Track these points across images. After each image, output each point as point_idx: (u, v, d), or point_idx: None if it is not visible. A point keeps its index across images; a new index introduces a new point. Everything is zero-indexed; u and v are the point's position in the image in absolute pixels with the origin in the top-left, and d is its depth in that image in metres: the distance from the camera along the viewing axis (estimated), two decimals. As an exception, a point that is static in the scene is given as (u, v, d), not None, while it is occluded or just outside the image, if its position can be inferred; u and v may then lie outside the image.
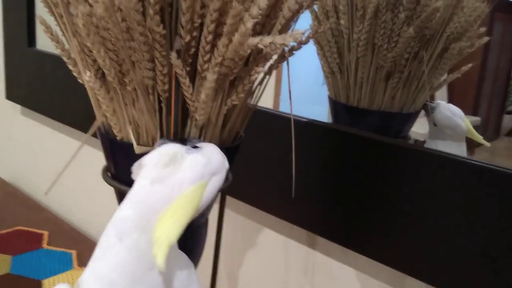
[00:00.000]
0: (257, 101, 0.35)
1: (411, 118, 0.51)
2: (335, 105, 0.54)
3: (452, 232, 0.39)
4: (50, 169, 0.90)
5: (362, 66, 0.49)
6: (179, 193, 0.26)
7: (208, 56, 0.27)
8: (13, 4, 0.84)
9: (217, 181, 0.28)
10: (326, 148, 0.47)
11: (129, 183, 0.32)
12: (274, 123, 0.50)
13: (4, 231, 0.73)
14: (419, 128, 0.50)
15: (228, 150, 0.34)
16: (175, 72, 0.27)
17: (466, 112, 0.47)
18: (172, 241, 0.24)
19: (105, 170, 0.35)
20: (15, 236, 0.72)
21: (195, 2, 0.26)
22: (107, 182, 0.33)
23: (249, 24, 0.25)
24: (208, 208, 0.36)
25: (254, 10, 0.26)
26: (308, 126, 0.48)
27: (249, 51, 0.27)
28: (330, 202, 0.47)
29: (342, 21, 0.48)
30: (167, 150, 0.27)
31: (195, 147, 0.28)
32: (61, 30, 0.31)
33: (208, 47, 0.27)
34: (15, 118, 0.97)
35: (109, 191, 0.36)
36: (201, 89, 0.27)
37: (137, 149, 0.30)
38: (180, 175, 0.26)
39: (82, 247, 0.71)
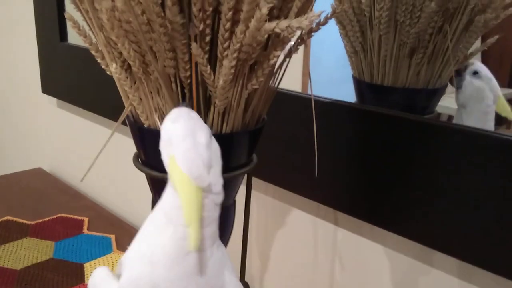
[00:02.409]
0: (278, 84, 0.36)
1: (437, 93, 0.50)
2: (359, 84, 0.54)
3: (479, 206, 0.39)
4: (87, 158, 0.94)
5: (385, 43, 0.49)
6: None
7: (227, 43, 0.28)
8: (44, 2, 0.87)
9: (181, 147, 0.26)
10: (350, 127, 0.48)
11: (159, 168, 0.34)
12: (298, 104, 0.51)
13: (46, 219, 0.77)
14: (453, 103, 0.49)
15: (252, 133, 0.35)
16: (195, 61, 0.28)
17: (502, 84, 0.46)
18: (193, 224, 0.25)
19: (136, 157, 0.37)
20: (57, 223, 0.76)
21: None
22: (138, 169, 0.35)
23: (264, 9, 0.25)
24: (234, 189, 0.37)
25: (269, -5, 0.27)
26: (331, 106, 0.49)
27: (266, 36, 0.28)
28: (355, 180, 0.47)
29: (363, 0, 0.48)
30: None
31: None
32: (88, 25, 0.32)
33: (227, 34, 0.28)
34: (52, 111, 1.01)
35: (143, 177, 0.38)
36: (219, 75, 0.28)
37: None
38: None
39: (120, 232, 0.74)
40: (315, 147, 0.39)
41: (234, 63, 0.27)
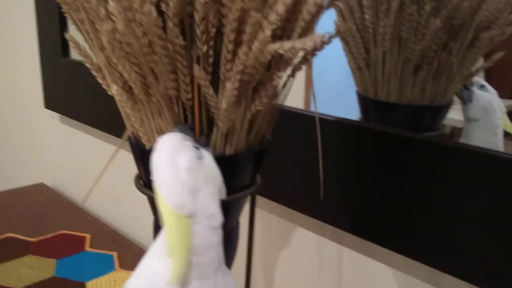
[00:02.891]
0: (282, 103, 0.36)
1: (442, 110, 0.50)
2: (364, 101, 0.53)
3: (489, 228, 0.38)
4: (90, 174, 0.93)
5: (389, 60, 0.48)
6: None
7: (230, 64, 0.28)
8: (46, 17, 0.87)
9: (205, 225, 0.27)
10: (355, 146, 0.47)
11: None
12: (302, 122, 0.50)
13: (48, 236, 0.77)
14: (457, 115, 0.48)
15: (255, 154, 0.34)
16: (197, 82, 0.28)
17: (504, 96, 0.45)
18: (175, 255, 0.25)
19: (138, 178, 0.36)
20: (59, 240, 0.75)
21: (208, 13, 0.27)
22: (139, 190, 0.34)
23: (268, 31, 0.25)
24: (237, 211, 0.36)
25: (272, 17, 0.26)
26: (336, 124, 0.48)
27: (269, 57, 0.27)
28: (361, 200, 0.46)
29: (367, 16, 0.47)
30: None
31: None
32: (89, 45, 0.32)
33: (229, 56, 0.27)
34: (54, 126, 1.01)
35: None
36: (222, 98, 0.28)
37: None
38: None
39: (123, 249, 0.73)
40: (320, 169, 0.38)
41: (237, 85, 0.27)
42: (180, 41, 0.26)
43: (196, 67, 0.27)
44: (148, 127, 0.31)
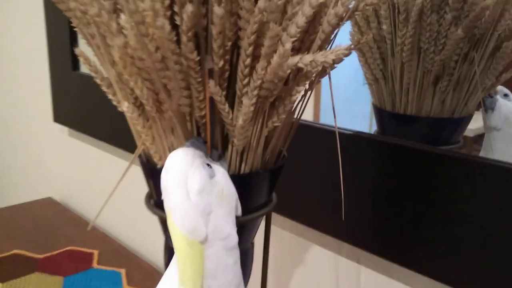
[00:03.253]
0: (299, 118, 0.34)
1: (463, 122, 0.48)
2: (380, 113, 0.51)
3: (509, 248, 0.36)
4: (98, 188, 0.92)
5: (408, 71, 0.46)
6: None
7: (247, 79, 0.26)
8: (56, 31, 0.87)
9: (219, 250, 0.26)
10: (374, 161, 0.45)
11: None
12: (318, 136, 0.49)
13: (55, 252, 0.75)
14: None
15: (272, 172, 0.32)
16: (211, 98, 0.26)
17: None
18: (187, 285, 0.24)
19: (148, 197, 0.35)
20: (66, 256, 0.74)
21: (225, 27, 0.25)
22: (150, 210, 0.33)
23: (288, 45, 0.23)
24: (252, 231, 0.34)
25: (292, 29, 0.25)
26: (354, 139, 0.46)
27: (288, 71, 0.26)
28: (380, 217, 0.44)
29: (384, 26, 0.46)
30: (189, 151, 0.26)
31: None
32: (99, 60, 0.31)
33: (246, 71, 0.26)
34: (64, 140, 1.00)
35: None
36: (238, 114, 0.26)
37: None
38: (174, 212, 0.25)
39: (131, 265, 0.72)
40: (341, 187, 0.36)
41: (254, 100, 0.25)
42: (195, 56, 0.25)
43: (211, 83, 0.25)
44: (160, 145, 0.30)
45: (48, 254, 0.74)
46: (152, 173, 0.32)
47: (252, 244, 0.35)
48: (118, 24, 0.25)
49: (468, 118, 0.47)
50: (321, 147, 0.48)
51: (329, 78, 0.30)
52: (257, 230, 0.35)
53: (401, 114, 0.49)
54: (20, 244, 0.78)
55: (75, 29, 0.31)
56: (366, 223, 0.45)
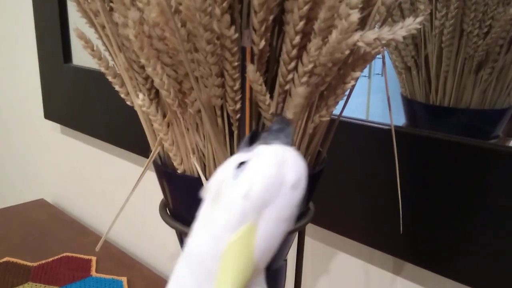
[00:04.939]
0: (341, 113, 0.29)
1: (505, 114, 0.43)
2: (411, 105, 0.46)
3: None
4: (94, 189, 0.86)
5: (446, 57, 0.41)
6: (224, 245, 0.19)
7: (293, 63, 0.21)
8: (45, 18, 0.81)
9: (276, 212, 0.19)
10: (415, 159, 0.40)
11: (192, 222, 0.26)
12: (351, 134, 0.44)
13: (50, 259, 0.70)
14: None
15: (312, 177, 0.27)
16: (250, 88, 0.21)
17: None
18: None
19: (163, 207, 0.29)
20: (62, 264, 0.68)
21: (269, -5, 0.20)
22: (167, 224, 0.27)
23: (354, 16, 0.18)
24: (286, 247, 0.29)
25: (354, -2, 0.20)
26: (387, 133, 0.41)
27: (348, 52, 0.20)
28: (418, 222, 0.39)
29: (421, 6, 0.41)
30: (218, 176, 0.19)
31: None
32: (104, 44, 0.25)
33: (294, 52, 0.20)
34: (55, 138, 0.94)
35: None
36: (286, 107, 0.21)
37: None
38: (219, 222, 0.19)
39: (133, 273, 0.66)
40: (399, 195, 0.31)
41: (309, 89, 0.20)
42: (232, 33, 0.19)
43: (250, 67, 0.20)
44: (182, 146, 0.24)
45: (42, 262, 0.69)
46: (171, 179, 0.26)
47: (285, 261, 0.30)
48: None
49: (510, 110, 0.42)
50: (353, 146, 0.43)
51: (384, 63, 0.25)
52: (291, 245, 0.30)
53: (437, 106, 0.44)
54: (11, 251, 0.72)
55: (76, 7, 0.25)
56: (399, 228, 0.40)
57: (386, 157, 0.41)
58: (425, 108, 0.45)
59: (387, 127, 0.41)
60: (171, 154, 0.25)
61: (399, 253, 0.41)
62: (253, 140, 0.19)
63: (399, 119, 0.46)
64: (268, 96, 0.21)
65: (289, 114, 0.21)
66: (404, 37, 0.44)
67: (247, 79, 0.21)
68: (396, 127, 0.42)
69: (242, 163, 0.19)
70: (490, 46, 0.39)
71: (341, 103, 0.27)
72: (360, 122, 0.43)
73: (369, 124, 0.43)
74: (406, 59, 0.44)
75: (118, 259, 0.70)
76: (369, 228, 0.42)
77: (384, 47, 0.27)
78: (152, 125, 0.25)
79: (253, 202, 0.18)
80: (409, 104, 0.46)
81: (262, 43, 0.20)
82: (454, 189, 0.38)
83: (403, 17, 0.43)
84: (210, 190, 0.19)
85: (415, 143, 0.40)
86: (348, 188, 0.43)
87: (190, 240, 0.20)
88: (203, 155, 0.24)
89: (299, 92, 0.19)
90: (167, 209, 0.29)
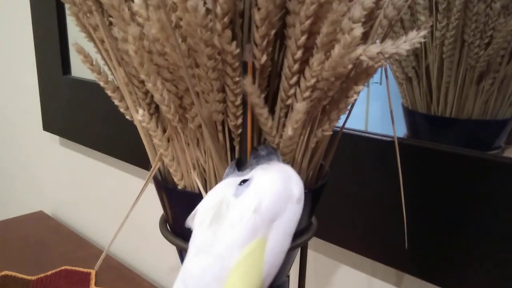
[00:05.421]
0: (344, 125, 0.29)
1: (507, 125, 0.43)
2: (412, 115, 0.46)
3: None
4: (93, 201, 0.86)
5: (448, 68, 0.41)
6: (230, 264, 0.18)
7: (295, 78, 0.21)
8: (45, 31, 0.81)
9: (284, 226, 0.19)
10: (415, 170, 0.40)
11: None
12: (348, 145, 0.43)
13: (49, 273, 0.69)
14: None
15: (314, 192, 0.27)
16: (249, 102, 0.21)
17: None
18: None
19: (164, 222, 0.29)
20: (61, 277, 0.68)
21: (271, 12, 0.20)
22: (168, 240, 0.27)
23: (358, 31, 0.18)
24: (289, 263, 0.29)
25: (357, 12, 0.19)
26: (389, 145, 0.41)
27: (350, 66, 0.20)
28: (421, 234, 0.39)
29: (422, 17, 0.41)
30: (211, 199, 0.20)
31: (245, 181, 0.21)
32: (103, 58, 0.25)
33: (296, 67, 0.20)
34: (54, 150, 0.94)
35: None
36: (287, 122, 0.21)
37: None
38: (225, 238, 0.19)
39: (132, 286, 0.66)
40: (403, 209, 0.31)
41: (309, 104, 0.20)
42: (233, 48, 0.19)
43: (248, 81, 0.20)
44: (183, 161, 0.24)
45: (41, 275, 0.68)
46: (171, 195, 0.26)
47: (288, 277, 0.29)
48: (130, 9, 0.20)
49: (512, 120, 0.42)
50: (352, 158, 0.43)
51: (386, 76, 0.25)
52: (293, 260, 0.29)
53: (438, 117, 0.44)
54: (9, 264, 0.72)
55: (74, 21, 0.25)
56: (402, 241, 0.40)
57: (387, 169, 0.41)
58: (427, 119, 0.45)
59: (389, 139, 0.41)
60: (171, 170, 0.24)
61: (402, 266, 0.40)
62: (239, 165, 0.20)
63: (400, 129, 0.45)
64: (266, 109, 0.21)
65: (289, 130, 0.20)
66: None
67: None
68: (399, 139, 0.42)
69: (243, 181, 0.19)
70: (491, 57, 0.39)
71: (343, 116, 0.27)
72: (361, 134, 0.43)
73: (371, 136, 0.42)
74: (407, 69, 0.44)
75: (118, 272, 0.70)
76: (371, 241, 0.41)
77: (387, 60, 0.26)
78: (152, 140, 0.24)
79: (263, 216, 0.18)
80: (410, 115, 0.46)
81: (264, 57, 0.20)
82: (456, 201, 0.37)
83: (404, 28, 0.43)
84: (202, 214, 0.19)
85: (418, 155, 0.40)
86: (350, 200, 0.43)
87: (187, 268, 0.19)
88: (204, 170, 0.24)
89: (299, 108, 0.19)
90: (167, 225, 0.29)
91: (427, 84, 0.43)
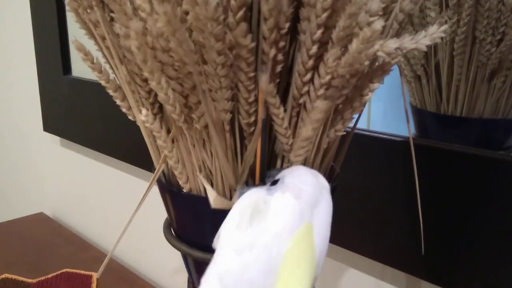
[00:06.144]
0: (355, 125, 0.27)
1: (519, 124, 0.42)
2: (421, 114, 0.45)
3: None
4: (94, 203, 0.85)
5: (458, 65, 0.40)
6: (280, 253, 0.18)
7: (309, 75, 0.19)
8: (45, 30, 0.79)
9: (324, 211, 0.20)
10: (424, 170, 0.39)
11: (200, 244, 0.25)
12: (355, 145, 0.42)
13: (50, 275, 0.68)
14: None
15: (327, 194, 0.26)
16: (264, 101, 0.20)
17: None
18: None
19: (168, 226, 0.28)
20: (62, 280, 0.67)
21: (280, 2, 0.18)
22: (173, 246, 0.26)
23: (378, 24, 0.17)
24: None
25: (375, 4, 0.18)
26: (400, 145, 0.40)
27: (367, 63, 0.19)
28: (433, 237, 0.38)
29: (432, 13, 0.40)
30: (245, 201, 0.19)
31: (275, 182, 0.21)
32: (104, 56, 0.24)
33: (310, 63, 0.19)
34: (55, 151, 0.93)
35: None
36: (305, 122, 0.20)
37: (214, 203, 0.22)
38: (271, 228, 0.19)
39: (135, 289, 0.65)
40: (420, 214, 0.30)
41: (328, 104, 0.18)
42: (248, 42, 0.18)
43: (264, 79, 0.19)
44: (188, 163, 0.23)
45: (42, 278, 0.67)
46: (176, 198, 0.25)
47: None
48: (132, 3, 0.19)
49: (524, 119, 0.41)
50: (360, 158, 0.42)
51: (401, 74, 0.24)
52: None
53: (448, 116, 0.42)
54: (9, 267, 0.71)
55: (74, 18, 0.24)
56: (414, 244, 0.39)
57: (394, 170, 0.40)
58: (436, 118, 0.43)
59: (398, 139, 0.40)
60: (176, 172, 0.23)
61: (412, 270, 0.39)
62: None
63: (404, 128, 0.44)
64: (282, 109, 0.20)
65: (306, 130, 0.19)
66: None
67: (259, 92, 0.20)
68: (407, 139, 0.41)
69: (274, 182, 0.19)
70: (503, 54, 0.38)
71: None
72: (372, 134, 0.41)
73: (378, 135, 0.41)
74: (416, 67, 0.43)
75: (119, 275, 0.69)
76: (380, 244, 0.40)
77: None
78: (155, 141, 0.23)
79: (305, 201, 0.19)
80: (419, 114, 0.45)
81: (273, 51, 0.19)
82: (467, 201, 0.36)
83: (413, 25, 0.42)
84: (237, 216, 0.18)
85: (427, 155, 0.39)
86: (358, 203, 0.42)
87: (223, 267, 0.18)
88: (211, 173, 0.23)
89: (320, 106, 0.18)
90: (172, 229, 0.28)
91: (437, 82, 0.42)
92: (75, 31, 0.73)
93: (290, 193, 0.19)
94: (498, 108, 0.40)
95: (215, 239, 0.19)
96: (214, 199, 0.22)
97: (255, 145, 0.21)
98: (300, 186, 0.19)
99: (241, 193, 0.21)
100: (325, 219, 0.20)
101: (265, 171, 0.22)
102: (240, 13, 0.17)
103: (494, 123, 0.41)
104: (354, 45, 0.18)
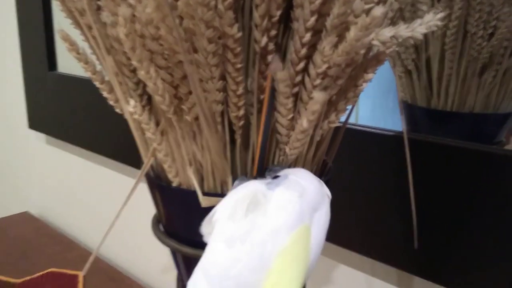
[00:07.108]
0: (348, 117, 0.27)
1: (509, 119, 0.42)
2: (412, 110, 0.45)
3: None
4: (81, 202, 0.83)
5: (449, 60, 0.40)
6: (275, 249, 0.18)
7: (303, 64, 0.19)
8: (29, 25, 0.78)
9: (323, 218, 0.19)
10: (415, 164, 0.38)
11: (190, 240, 0.24)
12: (350, 140, 0.42)
13: (35, 275, 0.67)
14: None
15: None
16: (268, 90, 0.19)
17: None
18: None
19: (157, 222, 0.27)
20: (48, 280, 0.65)
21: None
22: (161, 241, 0.25)
23: (378, 11, 0.16)
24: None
25: (370, -9, 0.18)
26: (391, 139, 0.40)
27: (364, 51, 0.19)
28: (424, 231, 0.38)
29: (423, 7, 0.39)
30: (243, 191, 0.19)
31: (276, 177, 0.20)
32: (91, 46, 0.23)
33: (303, 51, 0.18)
34: (40, 148, 0.91)
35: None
36: (299, 114, 0.19)
37: (204, 201, 0.22)
38: (270, 223, 0.18)
39: (122, 288, 0.64)
40: (413, 208, 0.29)
41: (327, 95, 0.18)
42: (235, 31, 0.17)
43: (277, 66, 0.18)
44: (178, 157, 0.22)
45: (27, 278, 0.66)
46: (165, 193, 0.24)
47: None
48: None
49: (515, 114, 0.41)
50: (352, 153, 0.41)
51: (394, 65, 0.24)
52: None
53: (439, 110, 0.42)
54: (-7, 268, 0.69)
55: (60, 9, 0.23)
56: (405, 240, 0.38)
57: (386, 164, 0.39)
58: (427, 113, 0.43)
59: (389, 133, 0.40)
60: (165, 166, 0.23)
61: (404, 265, 0.39)
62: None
63: (396, 124, 0.44)
64: (291, 99, 0.19)
65: (304, 122, 0.19)
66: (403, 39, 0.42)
67: (255, 87, 0.19)
68: (399, 133, 0.41)
69: (275, 177, 0.19)
70: (494, 48, 0.38)
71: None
72: (363, 128, 0.41)
73: (371, 130, 0.41)
74: (406, 62, 0.43)
75: (106, 274, 0.68)
76: (371, 239, 0.40)
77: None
78: (144, 134, 0.23)
79: (307, 202, 0.18)
80: (410, 109, 0.45)
81: (264, 39, 0.18)
82: (458, 196, 0.36)
83: (404, 18, 0.42)
84: (230, 207, 0.18)
85: (419, 149, 0.38)
86: (348, 198, 0.41)
87: (211, 259, 0.18)
88: (201, 166, 0.22)
89: (318, 97, 0.17)
90: (160, 225, 0.27)
91: (427, 77, 0.42)
92: (61, 21, 0.71)
93: (294, 190, 0.18)
94: (489, 102, 0.40)
95: (204, 224, 0.19)
96: (201, 198, 0.22)
97: (246, 137, 0.20)
98: (304, 185, 0.19)
99: (237, 185, 0.20)
100: (323, 225, 0.19)
101: (264, 164, 0.22)
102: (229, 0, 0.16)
103: (485, 117, 0.41)
104: (352, 33, 0.17)
